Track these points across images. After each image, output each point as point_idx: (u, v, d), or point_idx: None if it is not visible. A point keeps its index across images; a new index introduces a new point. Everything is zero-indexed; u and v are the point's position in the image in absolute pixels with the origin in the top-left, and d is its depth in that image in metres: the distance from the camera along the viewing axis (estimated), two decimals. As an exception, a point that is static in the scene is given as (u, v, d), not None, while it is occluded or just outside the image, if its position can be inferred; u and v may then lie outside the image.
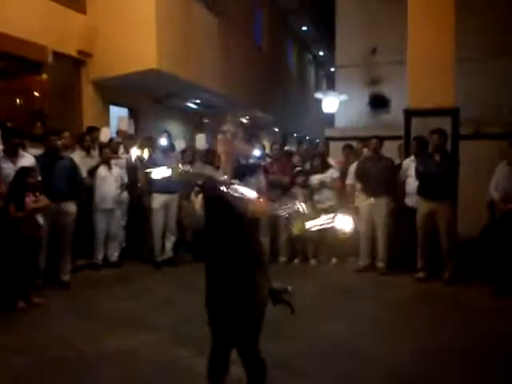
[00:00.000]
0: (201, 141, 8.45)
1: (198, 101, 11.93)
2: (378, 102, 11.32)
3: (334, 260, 7.19)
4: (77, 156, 6.66)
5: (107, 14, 8.50)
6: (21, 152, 5.56)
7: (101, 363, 3.78)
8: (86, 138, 7.06)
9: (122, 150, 7.54)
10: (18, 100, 7.70)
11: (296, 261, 7.25)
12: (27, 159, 5.54)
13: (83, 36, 8.49)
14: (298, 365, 3.78)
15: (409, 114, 7.16)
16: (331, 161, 7.72)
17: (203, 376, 3.41)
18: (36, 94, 7.65)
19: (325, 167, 7.31)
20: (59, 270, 5.95)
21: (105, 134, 7.54)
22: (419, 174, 6.19)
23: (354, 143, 8.07)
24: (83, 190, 6.50)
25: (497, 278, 5.76)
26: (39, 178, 5.45)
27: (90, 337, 4.31)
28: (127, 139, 7.95)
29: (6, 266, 5.03)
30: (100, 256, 6.88)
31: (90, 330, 4.49)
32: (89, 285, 6.10)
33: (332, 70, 16.46)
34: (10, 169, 5.33)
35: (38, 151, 5.95)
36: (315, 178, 7.20)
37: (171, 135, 7.39)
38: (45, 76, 7.69)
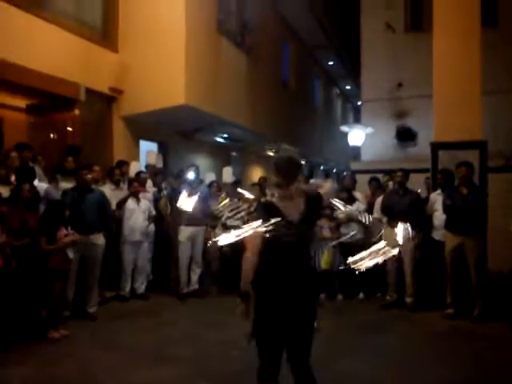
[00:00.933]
0: (227, 174, 8.54)
1: (225, 135, 12.13)
2: (405, 135, 11.32)
3: (361, 295, 7.09)
4: (107, 189, 6.83)
5: (138, 53, 8.80)
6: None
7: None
8: (116, 172, 7.24)
9: (149, 183, 7.69)
10: (51, 135, 7.96)
11: (322, 296, 7.16)
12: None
13: (115, 73, 8.79)
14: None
15: (435, 147, 7.13)
16: (358, 194, 7.70)
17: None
18: (68, 129, 7.90)
19: (351, 200, 7.29)
20: (86, 302, 6.02)
21: (134, 168, 7.73)
22: (446, 208, 6.11)
23: (381, 176, 8.05)
24: (113, 222, 6.65)
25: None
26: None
27: (112, 369, 4.32)
28: (156, 173, 8.12)
29: (34, 297, 5.13)
30: (127, 288, 6.95)
31: (113, 362, 4.51)
32: (115, 317, 6.14)
33: (359, 103, 16.55)
34: None
35: (70, 185, 6.12)
36: (341, 212, 7.18)
37: (199, 169, 7.51)
38: (77, 112, 7.94)
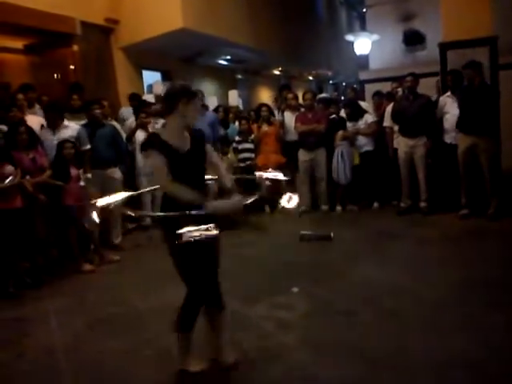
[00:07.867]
0: (233, 97, 8.47)
1: (228, 57, 11.85)
2: (413, 39, 10.93)
3: (376, 204, 7.18)
4: (115, 123, 6.85)
5: (130, -22, 8.48)
6: (64, 123, 5.72)
7: (152, 316, 3.96)
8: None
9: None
10: (52, 74, 7.87)
11: (338, 208, 7.27)
12: (69, 130, 5.71)
13: (109, 3, 8.52)
14: (343, 304, 3.90)
15: (444, 47, 6.92)
16: (365, 104, 7.59)
17: (256, 323, 3.62)
18: (69, 66, 7.80)
19: (358, 114, 7.19)
20: (110, 234, 6.24)
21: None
22: (459, 107, 6.01)
23: (389, 84, 7.89)
24: (128, 155, 6.73)
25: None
26: (87, 147, 5.76)
27: (141, 293, 4.50)
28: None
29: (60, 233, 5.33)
30: (148, 218, 7.13)
31: (143, 286, 4.71)
32: (139, 246, 6.35)
33: (364, 10, 15.86)
34: (51, 141, 5.56)
35: (78, 123, 6.13)
36: (348, 126, 7.13)
37: (204, 94, 7.43)
38: (75, 47, 7.81)
